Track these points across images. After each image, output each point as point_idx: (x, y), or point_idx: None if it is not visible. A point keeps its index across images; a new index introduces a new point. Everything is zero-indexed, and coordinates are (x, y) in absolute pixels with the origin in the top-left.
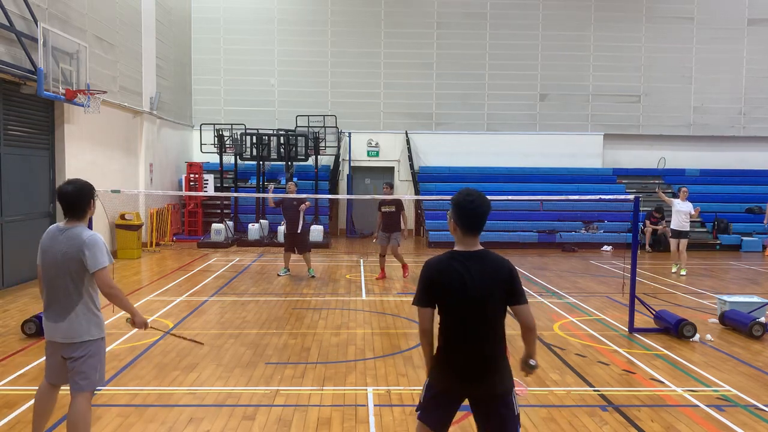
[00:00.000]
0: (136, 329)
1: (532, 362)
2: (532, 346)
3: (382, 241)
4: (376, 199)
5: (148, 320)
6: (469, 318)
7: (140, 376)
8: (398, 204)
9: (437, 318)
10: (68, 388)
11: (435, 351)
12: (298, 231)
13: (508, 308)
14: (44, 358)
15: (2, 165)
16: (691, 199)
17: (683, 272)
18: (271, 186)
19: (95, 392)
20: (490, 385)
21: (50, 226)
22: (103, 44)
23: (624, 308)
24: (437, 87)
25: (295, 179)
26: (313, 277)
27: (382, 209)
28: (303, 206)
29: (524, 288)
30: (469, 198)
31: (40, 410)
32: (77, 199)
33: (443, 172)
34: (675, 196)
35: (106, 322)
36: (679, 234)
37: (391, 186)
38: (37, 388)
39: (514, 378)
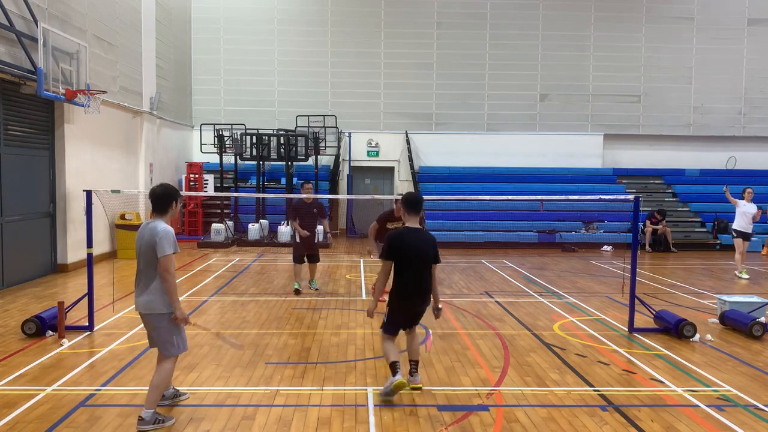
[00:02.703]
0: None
1: (439, 306)
2: (437, 296)
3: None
4: (376, 199)
5: (188, 315)
6: (416, 267)
7: (140, 376)
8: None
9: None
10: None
11: (392, 290)
12: (315, 241)
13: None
14: (46, 357)
15: (2, 165)
16: (691, 198)
17: (745, 275)
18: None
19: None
20: (426, 303)
21: (144, 221)
22: (103, 44)
23: (624, 308)
24: (437, 87)
25: (295, 180)
26: (316, 290)
27: (388, 225)
28: (325, 222)
29: (524, 288)
30: (409, 193)
31: None
32: (160, 198)
33: (443, 172)
34: (672, 197)
35: (103, 323)
36: (744, 235)
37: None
38: (36, 387)
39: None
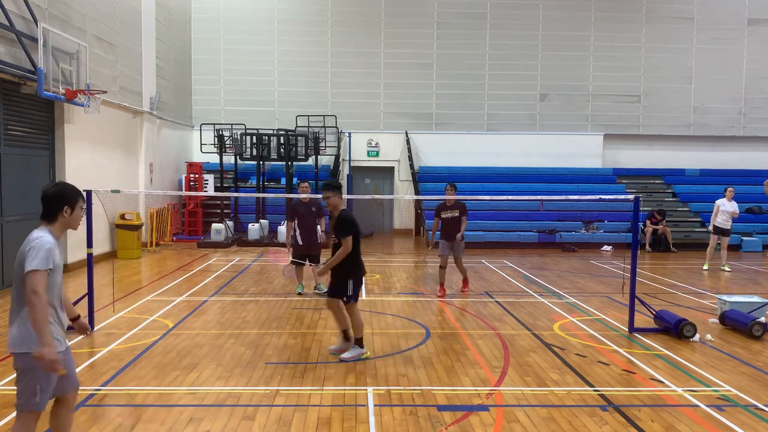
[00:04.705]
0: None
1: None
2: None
3: (444, 251)
4: (376, 199)
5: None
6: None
7: (140, 376)
8: (462, 208)
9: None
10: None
11: (350, 264)
12: (318, 241)
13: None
14: None
15: (2, 165)
16: (691, 198)
17: (728, 268)
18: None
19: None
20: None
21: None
22: (103, 44)
23: (624, 308)
24: (437, 87)
25: (295, 180)
26: (325, 292)
27: (443, 215)
28: (322, 221)
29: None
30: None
31: None
32: (49, 201)
33: (443, 172)
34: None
35: (103, 323)
36: (721, 231)
37: (455, 187)
38: None
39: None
